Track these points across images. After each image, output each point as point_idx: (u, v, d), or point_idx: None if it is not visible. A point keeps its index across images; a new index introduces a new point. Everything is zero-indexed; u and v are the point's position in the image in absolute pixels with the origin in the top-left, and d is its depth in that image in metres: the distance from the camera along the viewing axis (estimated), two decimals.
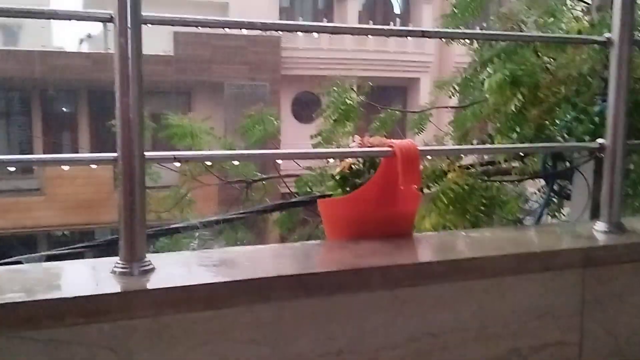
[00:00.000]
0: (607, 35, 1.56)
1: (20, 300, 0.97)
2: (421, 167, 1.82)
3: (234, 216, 4.18)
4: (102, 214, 14.08)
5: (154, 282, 1.10)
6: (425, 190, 2.97)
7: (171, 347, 1.07)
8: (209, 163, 6.66)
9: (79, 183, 14.51)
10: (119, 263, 1.13)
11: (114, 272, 1.13)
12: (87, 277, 1.16)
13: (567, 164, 2.89)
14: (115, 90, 1.11)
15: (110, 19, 1.10)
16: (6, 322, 0.96)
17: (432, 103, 5.91)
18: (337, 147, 4.78)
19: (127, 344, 1.04)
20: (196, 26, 1.28)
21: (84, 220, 14.41)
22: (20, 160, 1.30)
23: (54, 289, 1.07)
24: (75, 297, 1.01)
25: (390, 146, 1.43)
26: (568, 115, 2.54)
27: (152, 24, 1.16)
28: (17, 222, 14.00)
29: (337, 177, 1.54)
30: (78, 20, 1.14)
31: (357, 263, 1.28)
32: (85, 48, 18.25)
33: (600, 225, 1.59)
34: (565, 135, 2.55)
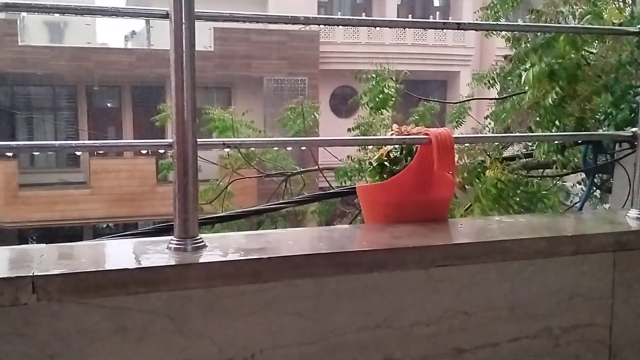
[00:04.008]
0: (639, 26, 1.59)
1: (90, 270, 1.08)
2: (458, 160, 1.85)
3: (276, 206, 4.29)
4: (145, 207, 14.43)
5: (206, 257, 1.20)
6: (468, 187, 3.00)
7: (222, 315, 1.17)
8: (249, 156, 6.79)
9: (123, 176, 14.88)
10: (173, 240, 1.23)
11: (169, 247, 1.23)
12: (145, 252, 1.26)
13: (608, 157, 2.88)
14: (171, 82, 1.21)
15: (167, 16, 1.20)
16: (77, 289, 1.07)
17: (470, 96, 5.91)
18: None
19: (182, 312, 1.14)
20: (245, 21, 1.37)
21: (128, 213, 14.76)
22: (85, 146, 1.42)
23: (118, 262, 1.18)
24: (137, 269, 1.11)
25: (427, 134, 1.49)
26: (607, 106, 2.54)
27: (204, 19, 1.25)
28: (64, 214, 14.43)
29: (375, 164, 1.62)
30: (138, 17, 1.24)
31: (394, 243, 1.35)
32: (129, 45, 18.69)
33: (633, 212, 1.62)
34: (605, 127, 2.55)
